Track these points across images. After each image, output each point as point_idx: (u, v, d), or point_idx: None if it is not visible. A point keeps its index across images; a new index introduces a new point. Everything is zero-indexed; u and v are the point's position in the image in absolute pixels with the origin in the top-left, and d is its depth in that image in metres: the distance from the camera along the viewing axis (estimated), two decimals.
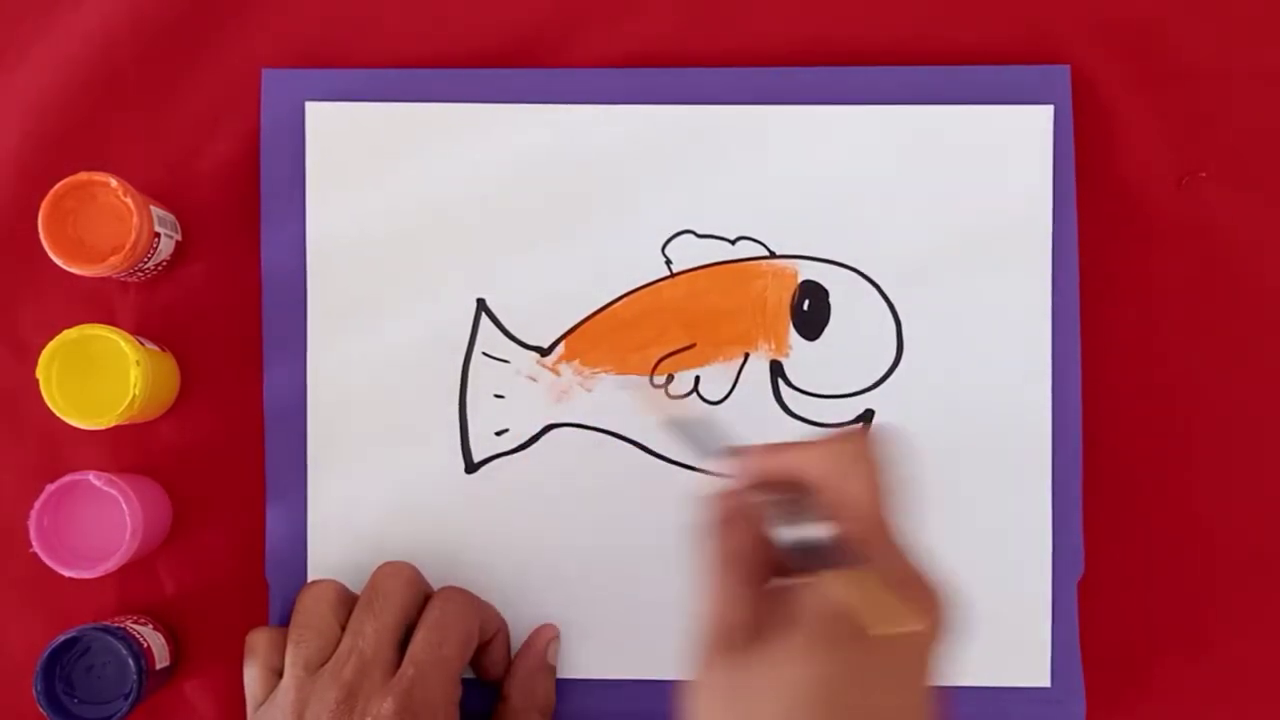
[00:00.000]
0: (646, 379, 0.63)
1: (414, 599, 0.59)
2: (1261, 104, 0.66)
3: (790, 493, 0.49)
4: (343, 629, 0.58)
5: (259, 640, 0.59)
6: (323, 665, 0.57)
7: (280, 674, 0.58)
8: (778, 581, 0.49)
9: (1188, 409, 0.65)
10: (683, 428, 0.56)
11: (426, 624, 0.58)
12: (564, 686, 0.63)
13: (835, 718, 0.45)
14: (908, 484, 0.50)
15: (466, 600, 0.60)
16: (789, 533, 0.48)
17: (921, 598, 0.47)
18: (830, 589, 0.46)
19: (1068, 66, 0.65)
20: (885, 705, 0.46)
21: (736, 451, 0.51)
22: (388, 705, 0.55)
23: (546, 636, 0.62)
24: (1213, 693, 0.64)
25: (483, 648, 0.61)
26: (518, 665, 0.62)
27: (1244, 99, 0.66)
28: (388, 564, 0.60)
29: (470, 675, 0.62)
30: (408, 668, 0.56)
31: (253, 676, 0.59)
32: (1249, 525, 0.65)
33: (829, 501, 0.48)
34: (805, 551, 0.47)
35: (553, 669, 0.62)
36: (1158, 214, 0.65)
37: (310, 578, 0.63)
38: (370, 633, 0.57)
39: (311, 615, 0.59)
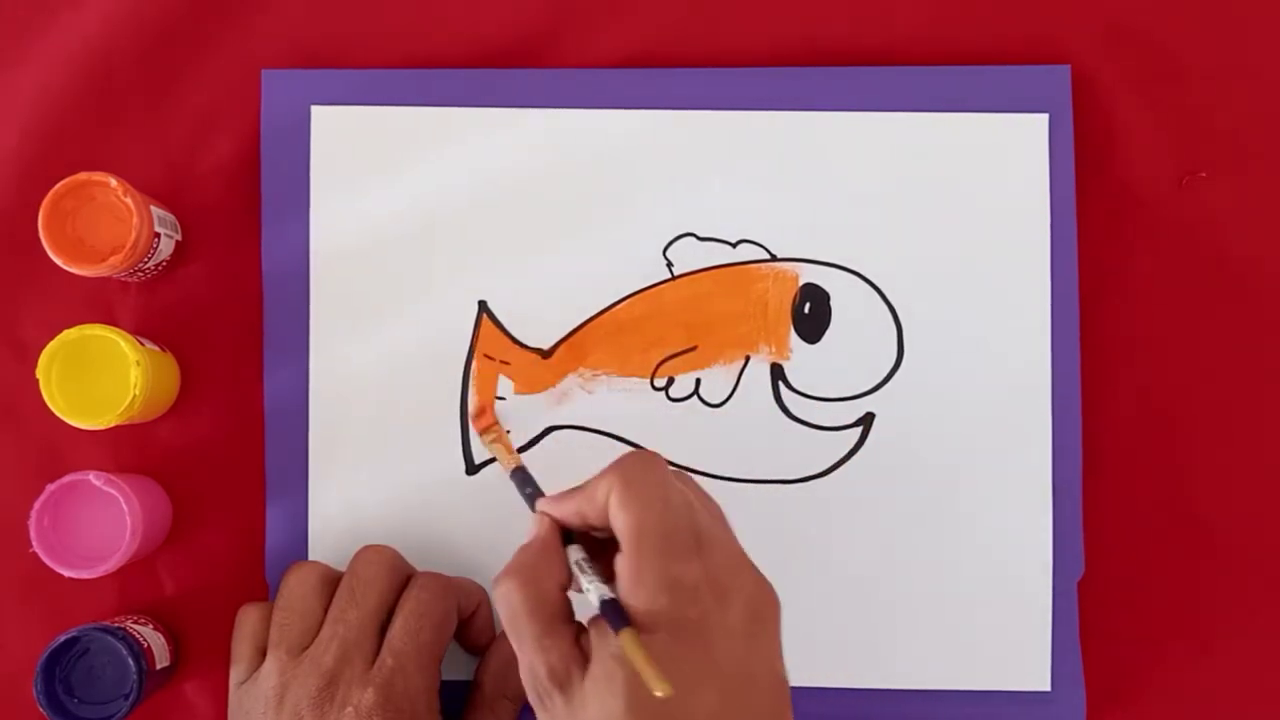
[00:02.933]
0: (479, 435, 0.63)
1: (395, 583, 0.59)
2: (1261, 104, 0.66)
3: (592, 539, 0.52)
4: (326, 611, 0.58)
5: (248, 617, 0.60)
6: (305, 649, 0.57)
7: (265, 652, 0.58)
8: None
9: (1187, 410, 0.65)
10: (521, 479, 0.60)
11: (404, 612, 0.58)
12: None
13: None
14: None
15: (442, 584, 0.60)
16: (587, 591, 0.50)
17: (743, 588, 0.49)
18: (624, 645, 0.47)
19: (1068, 67, 0.65)
20: (706, 704, 0.47)
21: (545, 501, 0.53)
22: (369, 696, 0.55)
23: None
24: (1214, 694, 0.64)
25: (466, 622, 0.61)
26: (492, 655, 0.62)
27: (1244, 99, 0.66)
28: (368, 548, 0.60)
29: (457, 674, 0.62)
30: (386, 657, 0.57)
31: (239, 653, 0.59)
32: (1249, 526, 0.65)
33: (622, 508, 0.49)
34: (596, 603, 0.49)
35: None
36: (1158, 214, 0.65)
37: None
38: (352, 619, 0.57)
39: (295, 598, 0.59)
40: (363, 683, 0.56)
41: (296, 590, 0.59)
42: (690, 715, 0.47)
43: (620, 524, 0.49)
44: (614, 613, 0.48)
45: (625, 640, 0.46)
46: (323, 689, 0.56)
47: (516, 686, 0.61)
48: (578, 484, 0.52)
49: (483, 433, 0.63)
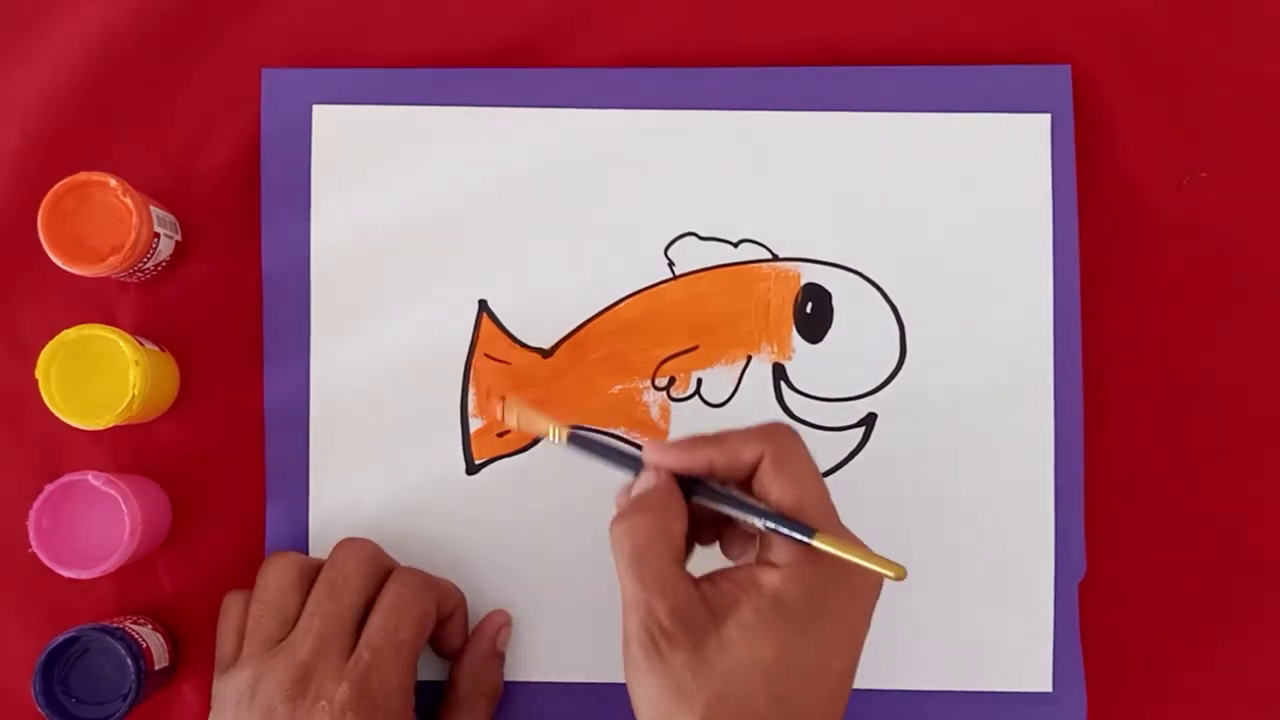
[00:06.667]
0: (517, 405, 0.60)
1: (373, 578, 0.59)
2: (1261, 104, 0.66)
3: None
4: (304, 603, 0.58)
5: (231, 606, 0.60)
6: (281, 641, 0.57)
7: None
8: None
9: (1188, 410, 0.65)
10: (588, 441, 0.56)
11: (382, 608, 0.58)
12: (564, 689, 0.63)
13: (791, 687, 0.48)
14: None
15: (422, 582, 0.60)
16: (745, 510, 0.50)
17: (858, 571, 0.50)
18: (822, 546, 0.48)
19: (1068, 66, 0.65)
20: (834, 670, 0.49)
21: (657, 448, 0.53)
22: (343, 690, 0.55)
23: (496, 623, 0.63)
24: (1214, 694, 0.65)
25: (442, 624, 0.61)
26: (467, 652, 0.62)
27: (1244, 99, 0.66)
28: (348, 541, 0.60)
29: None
30: (363, 652, 0.56)
31: (222, 642, 0.59)
32: (1250, 527, 0.65)
33: (781, 475, 0.50)
34: (772, 525, 0.50)
35: (502, 656, 0.63)
36: (1158, 215, 0.65)
37: None
38: (329, 613, 0.57)
39: (272, 590, 0.59)
40: (337, 677, 0.55)
41: (274, 582, 0.59)
42: (828, 675, 0.49)
43: (780, 493, 0.50)
44: (796, 524, 0.49)
45: (825, 539, 0.48)
46: (296, 681, 0.55)
47: (493, 683, 0.62)
48: (703, 434, 0.52)
49: (505, 404, 0.58)
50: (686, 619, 0.49)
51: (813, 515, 0.50)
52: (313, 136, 0.64)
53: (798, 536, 0.49)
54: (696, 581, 0.51)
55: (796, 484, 0.50)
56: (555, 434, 0.56)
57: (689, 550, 0.53)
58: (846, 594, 0.50)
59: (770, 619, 0.49)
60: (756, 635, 0.48)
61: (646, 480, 0.52)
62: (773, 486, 0.50)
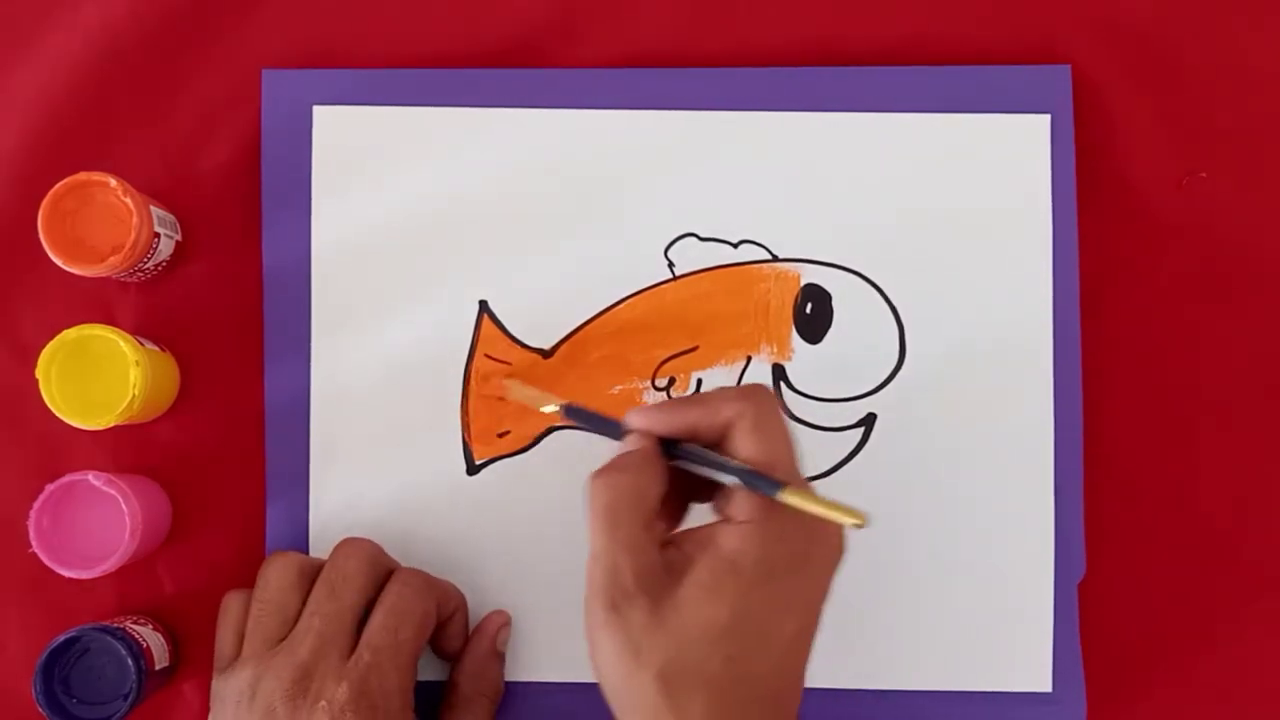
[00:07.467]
0: (515, 384, 0.63)
1: (374, 578, 0.59)
2: (1261, 104, 0.66)
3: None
4: (304, 603, 0.58)
5: (231, 605, 0.60)
6: (281, 640, 0.57)
7: None
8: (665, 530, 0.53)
9: (1188, 410, 0.65)
10: (580, 414, 0.58)
11: (383, 608, 0.58)
12: (564, 689, 0.63)
13: (742, 647, 0.49)
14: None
15: (423, 582, 0.60)
16: (716, 466, 0.51)
17: (827, 537, 0.51)
18: (790, 499, 0.49)
19: (1068, 66, 0.65)
20: (787, 631, 0.50)
21: (638, 413, 0.53)
22: (343, 690, 0.55)
23: (496, 624, 0.62)
24: (1215, 694, 0.65)
25: (442, 626, 0.61)
26: (468, 653, 0.62)
27: (1244, 99, 0.66)
28: (348, 541, 0.60)
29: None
30: (363, 652, 0.56)
31: (222, 641, 0.59)
32: (1250, 526, 0.65)
33: (755, 435, 0.51)
34: (742, 480, 0.50)
35: (502, 656, 0.63)
36: (1158, 215, 0.65)
37: None
38: (329, 612, 0.57)
39: (273, 589, 0.59)
40: (337, 677, 0.55)
41: (274, 581, 0.59)
42: (780, 636, 0.49)
43: (752, 451, 0.50)
44: (765, 479, 0.49)
45: (792, 493, 0.49)
46: (297, 681, 0.55)
47: (493, 684, 0.61)
48: (684, 396, 0.55)
49: (508, 380, 0.62)
50: (648, 580, 0.49)
51: (781, 473, 0.50)
52: (313, 136, 0.64)
53: (765, 490, 0.49)
54: (662, 544, 0.51)
55: (769, 442, 0.51)
56: (553, 407, 0.58)
57: (685, 509, 0.54)
58: (805, 554, 0.50)
59: (723, 579, 0.49)
60: (710, 595, 0.49)
61: (630, 442, 0.53)
62: (745, 443, 0.51)
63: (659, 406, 0.53)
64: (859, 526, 0.48)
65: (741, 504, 0.50)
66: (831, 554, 0.51)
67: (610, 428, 0.55)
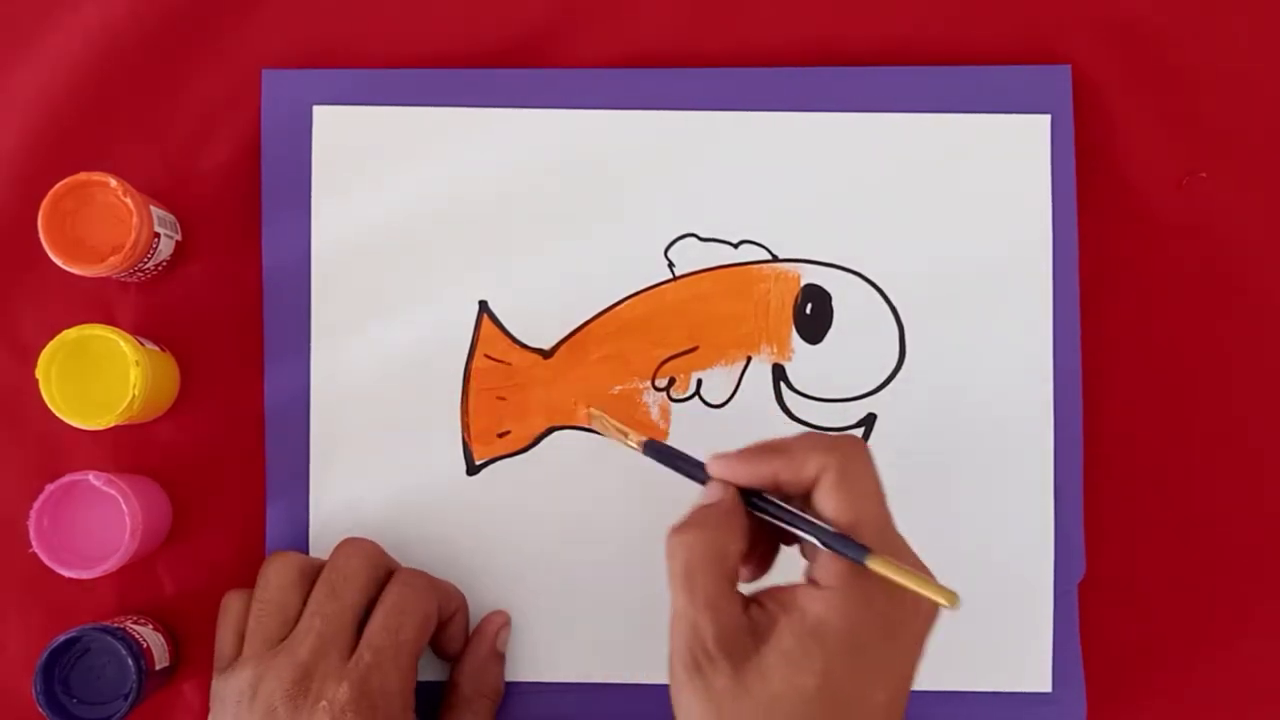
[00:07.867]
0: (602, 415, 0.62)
1: (375, 578, 0.59)
2: (1261, 104, 0.66)
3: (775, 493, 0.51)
4: (304, 603, 0.58)
5: (231, 605, 0.60)
6: (282, 640, 0.57)
7: None
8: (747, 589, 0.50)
9: (1188, 410, 0.65)
10: (660, 450, 0.56)
11: (384, 608, 0.58)
12: (565, 690, 0.63)
13: (829, 718, 0.47)
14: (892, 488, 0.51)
15: (425, 583, 0.60)
16: (798, 525, 0.49)
17: (914, 598, 0.48)
18: (876, 568, 0.47)
19: (1068, 66, 0.65)
20: (877, 700, 0.48)
21: (720, 460, 0.52)
22: (343, 691, 0.55)
23: (496, 624, 0.62)
24: (1214, 695, 0.65)
25: (442, 627, 0.61)
26: (468, 654, 0.62)
27: (1244, 99, 0.66)
28: (349, 541, 0.60)
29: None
30: (364, 652, 0.56)
31: (222, 641, 0.59)
32: (1249, 526, 0.65)
33: (839, 492, 0.49)
34: (825, 542, 0.48)
35: (502, 656, 0.63)
36: (1158, 215, 0.65)
37: None
38: (330, 612, 0.57)
39: (273, 589, 0.59)
40: (338, 677, 0.55)
41: (274, 581, 0.59)
42: (870, 706, 0.48)
43: (836, 511, 0.49)
44: (850, 542, 0.48)
45: (878, 561, 0.46)
46: (297, 681, 0.55)
47: (494, 684, 0.61)
48: (763, 441, 0.51)
49: (594, 410, 0.62)
50: (730, 642, 0.48)
51: (868, 534, 0.48)
52: (313, 137, 0.64)
53: (850, 555, 0.47)
54: (746, 602, 0.49)
55: (854, 501, 0.49)
56: (636, 443, 0.57)
57: (775, 551, 0.52)
58: (895, 621, 0.48)
59: (809, 646, 0.47)
60: (795, 663, 0.47)
61: (711, 493, 0.51)
62: (829, 502, 0.49)
63: (741, 455, 0.51)
64: (950, 608, 0.46)
65: (825, 566, 0.48)
66: (923, 621, 0.49)
67: (692, 468, 0.54)
